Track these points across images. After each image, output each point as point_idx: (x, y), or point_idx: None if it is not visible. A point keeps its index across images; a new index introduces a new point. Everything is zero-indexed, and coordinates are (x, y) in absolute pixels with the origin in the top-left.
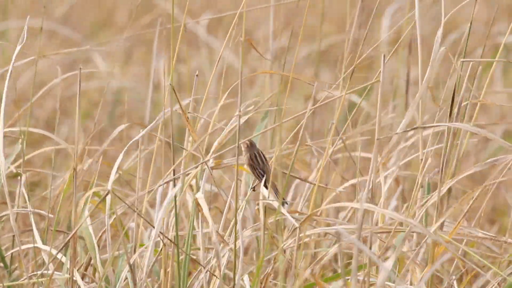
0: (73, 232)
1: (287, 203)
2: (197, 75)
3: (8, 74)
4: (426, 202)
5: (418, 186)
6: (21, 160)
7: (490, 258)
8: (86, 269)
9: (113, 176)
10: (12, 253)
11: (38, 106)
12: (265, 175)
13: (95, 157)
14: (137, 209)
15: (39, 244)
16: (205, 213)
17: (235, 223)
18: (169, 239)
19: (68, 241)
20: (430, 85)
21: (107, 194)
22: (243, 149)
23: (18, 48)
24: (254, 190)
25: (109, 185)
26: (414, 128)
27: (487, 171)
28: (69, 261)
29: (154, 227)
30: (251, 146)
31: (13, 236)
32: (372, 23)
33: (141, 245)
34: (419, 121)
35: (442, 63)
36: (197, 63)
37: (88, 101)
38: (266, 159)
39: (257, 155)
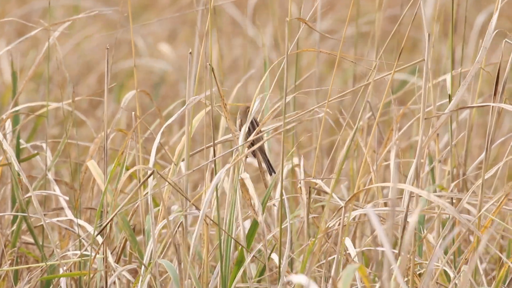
0: (112, 215)
1: (274, 172)
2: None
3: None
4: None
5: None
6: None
7: None
8: (122, 250)
9: (153, 155)
10: (43, 230)
11: (82, 84)
12: (254, 144)
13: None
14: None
15: (83, 223)
16: (251, 192)
17: (281, 204)
18: (212, 220)
19: (107, 224)
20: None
21: (151, 174)
22: (238, 115)
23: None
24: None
25: (150, 163)
26: (462, 108)
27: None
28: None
29: (199, 210)
30: (245, 112)
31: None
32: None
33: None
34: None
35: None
36: (240, 43)
37: (131, 81)
38: (257, 126)
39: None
